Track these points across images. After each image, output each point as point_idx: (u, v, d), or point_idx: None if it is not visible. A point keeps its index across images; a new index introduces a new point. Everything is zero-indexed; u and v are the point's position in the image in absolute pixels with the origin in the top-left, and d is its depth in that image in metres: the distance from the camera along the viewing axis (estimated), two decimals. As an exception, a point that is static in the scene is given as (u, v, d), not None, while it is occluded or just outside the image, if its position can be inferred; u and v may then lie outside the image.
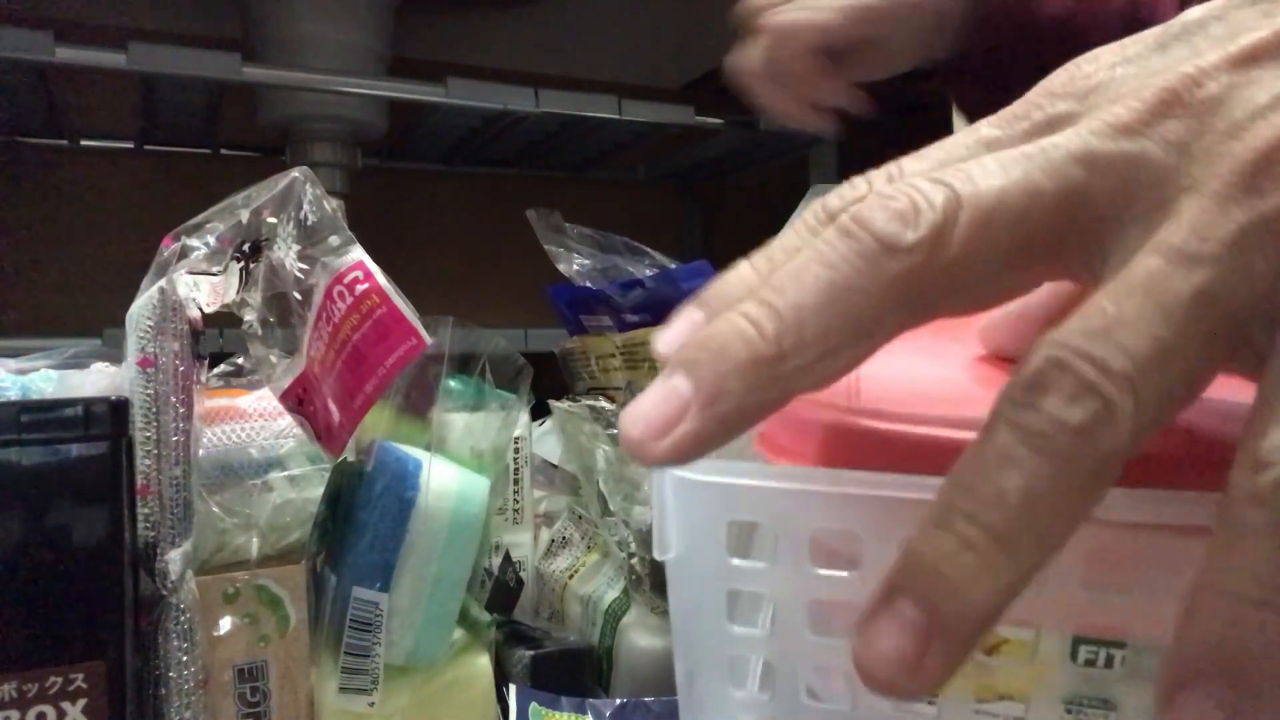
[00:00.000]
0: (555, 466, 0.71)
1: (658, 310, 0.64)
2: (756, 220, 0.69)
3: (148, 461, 0.40)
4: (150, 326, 0.40)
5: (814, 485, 0.19)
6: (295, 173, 0.43)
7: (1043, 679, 0.19)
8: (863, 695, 0.21)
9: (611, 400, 0.65)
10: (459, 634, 0.48)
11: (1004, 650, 0.19)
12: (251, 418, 0.48)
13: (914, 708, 0.20)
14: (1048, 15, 0.57)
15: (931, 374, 0.24)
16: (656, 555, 0.20)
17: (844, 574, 0.20)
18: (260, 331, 0.43)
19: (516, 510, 0.62)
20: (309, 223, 0.42)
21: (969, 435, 0.20)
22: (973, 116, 0.65)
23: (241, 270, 0.42)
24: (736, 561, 0.20)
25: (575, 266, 0.68)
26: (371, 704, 0.43)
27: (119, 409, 0.38)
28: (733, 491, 0.20)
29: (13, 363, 0.45)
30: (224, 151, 1.37)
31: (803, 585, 0.20)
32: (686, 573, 0.21)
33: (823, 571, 0.20)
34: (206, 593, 0.41)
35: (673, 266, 0.64)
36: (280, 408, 0.45)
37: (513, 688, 0.47)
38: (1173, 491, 0.18)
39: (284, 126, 1.17)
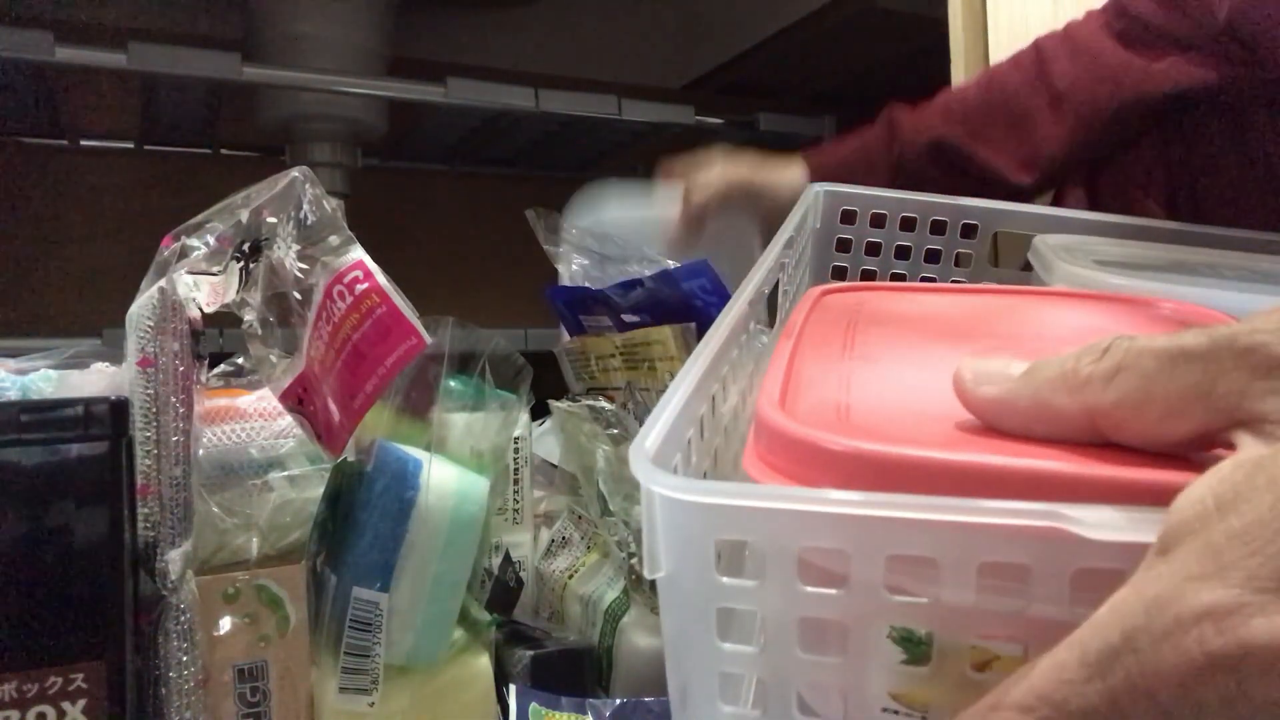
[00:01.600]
0: (555, 466, 0.71)
1: (657, 310, 0.63)
2: (756, 220, 0.69)
3: (148, 461, 0.40)
4: (150, 326, 0.40)
5: (801, 505, 0.19)
6: (295, 173, 0.43)
7: None
8: (855, 710, 0.21)
9: (611, 400, 0.65)
10: (459, 634, 0.48)
11: (995, 666, 0.20)
12: (251, 418, 0.48)
13: None
14: None
15: (920, 388, 0.24)
16: (646, 574, 0.20)
17: (832, 592, 0.20)
18: (260, 331, 0.43)
19: (516, 510, 0.62)
20: (309, 222, 0.42)
21: (955, 455, 0.20)
22: None
23: (241, 270, 0.42)
24: (725, 580, 0.20)
25: (575, 266, 0.68)
26: (371, 704, 0.43)
27: (119, 409, 0.38)
28: (720, 511, 0.20)
29: (13, 363, 0.45)
30: (224, 151, 1.37)
31: (791, 603, 0.20)
32: (677, 591, 0.21)
33: (811, 589, 0.20)
34: (206, 593, 0.41)
35: (673, 266, 0.63)
36: (280, 408, 0.45)
37: (513, 688, 0.47)
38: (1155, 510, 0.18)
39: (284, 126, 1.17)
